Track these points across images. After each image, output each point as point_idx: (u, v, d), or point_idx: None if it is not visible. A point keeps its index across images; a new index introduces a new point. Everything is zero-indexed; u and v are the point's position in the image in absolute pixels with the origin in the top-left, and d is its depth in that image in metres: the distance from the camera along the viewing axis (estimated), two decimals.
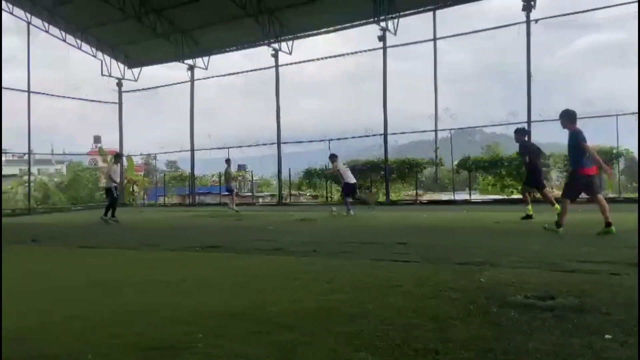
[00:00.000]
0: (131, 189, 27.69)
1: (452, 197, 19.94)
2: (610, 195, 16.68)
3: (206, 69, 24.44)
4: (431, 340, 2.73)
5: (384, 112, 19.90)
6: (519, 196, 11.53)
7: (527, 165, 10.27)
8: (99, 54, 24.80)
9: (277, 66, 22.38)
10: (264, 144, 23.64)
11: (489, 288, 3.97)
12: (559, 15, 17.26)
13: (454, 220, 11.05)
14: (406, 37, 19.90)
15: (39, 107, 22.64)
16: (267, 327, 3.11)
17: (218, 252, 7.02)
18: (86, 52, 24.33)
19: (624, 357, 2.44)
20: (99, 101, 25.72)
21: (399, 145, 22.27)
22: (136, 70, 26.09)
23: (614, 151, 16.65)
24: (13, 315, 3.59)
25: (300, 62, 22.50)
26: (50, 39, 23.04)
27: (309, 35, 22.05)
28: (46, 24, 22.74)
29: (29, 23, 22.19)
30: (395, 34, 19.41)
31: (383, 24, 19.15)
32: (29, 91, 22.06)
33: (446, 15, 20.24)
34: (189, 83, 24.86)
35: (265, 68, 22.87)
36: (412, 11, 19.39)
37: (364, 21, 20.02)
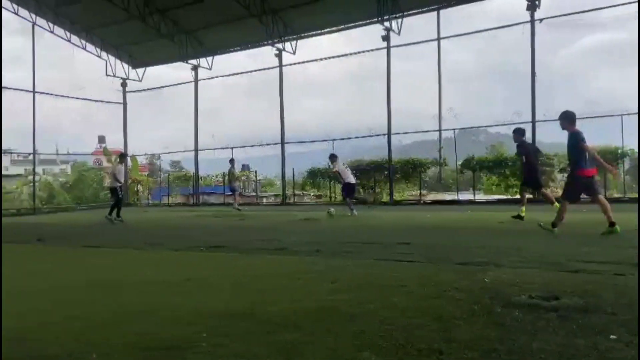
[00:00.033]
0: (135, 189, 27.76)
1: (456, 197, 19.88)
2: (615, 195, 16.63)
3: (210, 69, 24.49)
4: (435, 340, 2.73)
5: (387, 112, 19.88)
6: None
7: (525, 165, 10.27)
8: (104, 54, 24.89)
9: (280, 66, 22.39)
10: (267, 144, 23.68)
11: (492, 288, 3.96)
12: (563, 15, 17.21)
13: (458, 220, 11.02)
14: (410, 37, 19.90)
15: (44, 107, 22.75)
16: (270, 326, 3.11)
17: (222, 251, 7.03)
18: (91, 53, 24.41)
19: (629, 357, 2.43)
20: (104, 101, 25.83)
21: (402, 145, 22.25)
22: (140, 71, 26.17)
23: (619, 151, 16.58)
24: (17, 315, 3.61)
25: (303, 62, 22.52)
26: (55, 39, 23.16)
27: (312, 35, 22.04)
28: (51, 25, 22.83)
29: (34, 23, 22.28)
30: (399, 33, 19.39)
31: (387, 23, 19.13)
32: (34, 91, 22.15)
33: (450, 15, 20.15)
34: (193, 83, 24.91)
35: (268, 68, 22.90)
36: (415, 11, 19.35)
37: (368, 21, 20.00)
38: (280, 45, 21.90)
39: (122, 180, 14.80)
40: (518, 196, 10.77)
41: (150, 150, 29.43)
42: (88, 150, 29.46)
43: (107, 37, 24.12)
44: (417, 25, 20.45)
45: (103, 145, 30.31)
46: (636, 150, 16.70)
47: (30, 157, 23.91)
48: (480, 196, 19.76)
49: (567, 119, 7.75)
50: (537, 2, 17.07)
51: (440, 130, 19.42)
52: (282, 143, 22.57)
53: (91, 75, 25.31)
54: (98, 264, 6.42)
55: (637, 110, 14.36)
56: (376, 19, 19.23)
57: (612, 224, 7.25)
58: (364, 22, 20.24)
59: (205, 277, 5.07)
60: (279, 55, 22.20)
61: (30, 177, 24.51)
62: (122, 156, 16.36)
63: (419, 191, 20.63)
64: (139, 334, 3.04)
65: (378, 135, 20.53)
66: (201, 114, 25.09)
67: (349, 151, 23.07)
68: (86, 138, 28.88)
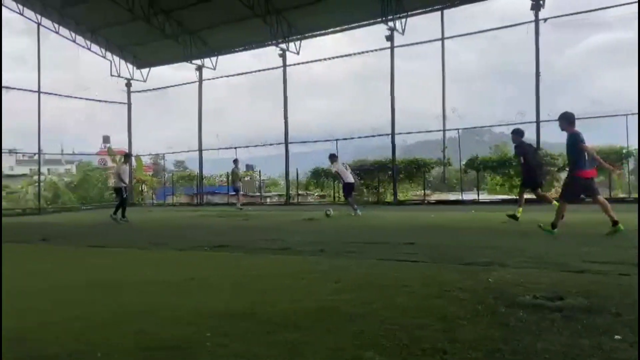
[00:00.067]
0: (140, 189, 27.85)
1: (459, 197, 19.85)
2: (620, 196, 16.56)
3: (214, 69, 24.52)
4: (439, 340, 2.73)
5: (391, 112, 19.86)
6: (527, 196, 11.49)
7: (524, 165, 10.26)
8: (108, 55, 24.96)
9: (284, 66, 22.41)
10: (271, 144, 23.69)
11: (496, 288, 3.96)
12: (567, 15, 17.15)
13: (462, 221, 11.01)
14: (414, 37, 19.87)
15: (49, 107, 22.83)
16: (273, 326, 3.12)
17: (225, 251, 7.05)
18: (95, 53, 24.50)
19: (634, 357, 2.43)
20: (108, 101, 25.91)
21: (406, 145, 22.23)
22: (145, 71, 26.24)
23: (624, 151, 16.51)
24: (17, 315, 3.63)
25: (307, 62, 22.53)
26: (60, 39, 23.23)
27: (316, 35, 22.05)
28: (56, 25, 22.92)
29: (39, 24, 22.37)
30: (403, 33, 19.37)
31: (391, 23, 19.12)
32: (39, 91, 22.24)
33: (454, 15, 20.12)
34: (197, 83, 24.96)
35: (272, 68, 22.90)
36: (419, 11, 19.33)
37: (372, 21, 19.99)
38: (284, 45, 21.92)
39: (127, 181, 14.83)
40: (527, 196, 10.74)
41: (154, 150, 29.52)
42: (93, 150, 29.57)
43: (111, 38, 24.21)
44: (420, 25, 20.39)
45: (108, 145, 30.44)
46: None
47: (36, 157, 24.03)
48: (484, 196, 19.72)
49: (566, 120, 7.78)
50: (541, 2, 17.01)
51: (444, 130, 19.39)
52: (286, 143, 22.59)
53: (96, 75, 25.42)
54: (101, 264, 6.44)
55: (637, 111, 14.32)
56: (380, 19, 19.22)
57: (615, 223, 7.24)
58: (367, 22, 20.22)
59: (209, 277, 5.08)
60: (282, 55, 22.22)
61: (36, 177, 24.61)
62: (127, 156, 16.36)
63: (422, 191, 20.60)
64: (145, 333, 3.06)
65: (381, 135, 20.52)
66: (205, 114, 25.16)
67: (353, 151, 23.06)
68: (91, 138, 28.96)
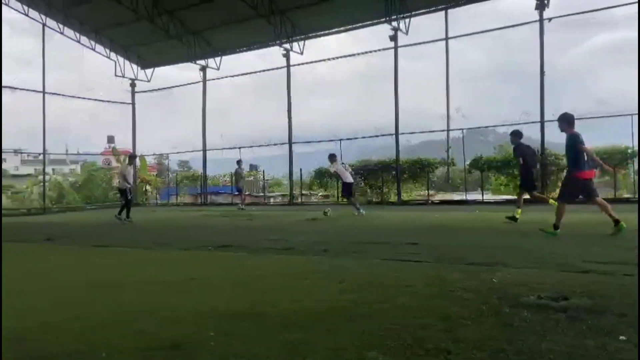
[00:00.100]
0: (144, 189, 27.92)
1: (464, 197, 19.81)
2: (625, 196, 16.49)
3: (218, 69, 24.56)
4: (442, 340, 2.72)
5: (395, 112, 19.84)
6: (541, 196, 11.46)
7: (523, 167, 10.24)
8: (113, 55, 25.04)
9: (288, 66, 22.41)
10: (275, 144, 23.71)
11: (500, 288, 3.95)
12: (572, 14, 17.08)
13: (466, 221, 10.98)
14: (418, 37, 19.83)
15: (54, 107, 22.92)
16: (277, 326, 3.13)
17: (230, 251, 7.06)
18: (100, 53, 24.58)
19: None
20: (113, 101, 26.00)
21: (410, 145, 22.22)
22: (149, 71, 26.31)
23: (629, 151, 16.43)
24: (18, 314, 3.64)
25: (311, 62, 22.52)
26: (64, 40, 23.32)
27: (320, 36, 22.04)
28: (61, 26, 23.01)
29: (44, 25, 22.47)
30: (406, 33, 19.34)
31: (394, 23, 19.09)
32: (43, 92, 22.34)
33: (458, 14, 20.05)
34: (201, 83, 25.00)
35: (276, 68, 22.90)
36: (423, 11, 19.29)
37: (376, 21, 19.97)
38: (288, 46, 21.92)
39: (132, 182, 14.89)
40: (527, 196, 10.72)
41: (158, 150, 29.56)
42: (97, 150, 29.67)
43: (116, 38, 24.29)
44: (425, 24, 20.37)
45: (112, 145, 30.50)
46: None
47: (40, 157, 24.12)
48: (488, 196, 19.68)
49: (566, 121, 7.80)
50: (545, 1, 16.96)
51: (448, 130, 19.35)
52: (290, 143, 22.59)
53: (100, 75, 25.50)
54: (105, 263, 6.47)
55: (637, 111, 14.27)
56: (384, 19, 19.20)
57: (616, 222, 7.27)
58: (371, 22, 20.21)
59: (213, 277, 5.09)
60: (286, 56, 22.23)
61: (40, 177, 24.72)
62: (132, 158, 16.46)
63: (426, 191, 20.57)
64: (145, 333, 3.07)
65: (384, 135, 20.50)
66: (209, 114, 25.18)
67: (356, 151, 23.05)
68: (95, 138, 29.06)
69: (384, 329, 2.98)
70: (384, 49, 20.17)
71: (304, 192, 24.17)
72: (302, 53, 22.12)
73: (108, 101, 25.71)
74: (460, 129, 19.49)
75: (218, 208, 20.93)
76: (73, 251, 7.91)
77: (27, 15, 21.99)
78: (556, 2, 17.18)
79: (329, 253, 6.42)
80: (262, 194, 26.66)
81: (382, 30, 19.83)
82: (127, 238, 9.69)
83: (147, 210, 20.70)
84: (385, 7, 18.39)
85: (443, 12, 18.92)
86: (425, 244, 6.96)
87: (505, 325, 2.99)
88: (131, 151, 27.08)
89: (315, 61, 22.57)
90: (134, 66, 25.99)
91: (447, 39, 19.07)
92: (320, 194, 25.00)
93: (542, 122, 16.94)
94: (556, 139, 17.10)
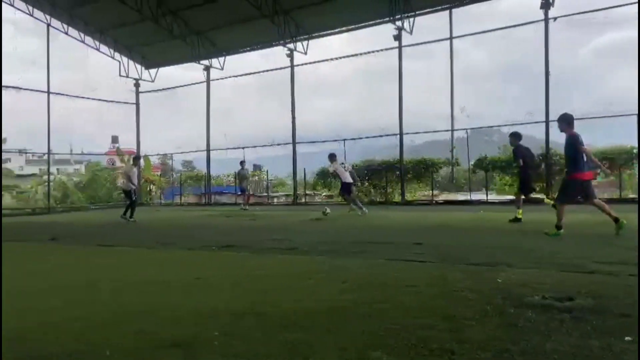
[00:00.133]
0: (148, 189, 28.00)
1: (468, 197, 19.77)
2: (631, 196, 16.40)
3: (222, 69, 24.59)
4: (447, 341, 2.71)
5: (399, 112, 19.82)
6: (536, 196, 11.45)
7: (523, 169, 10.22)
8: (117, 55, 25.13)
9: (292, 66, 22.42)
10: (279, 144, 23.71)
11: (505, 288, 3.93)
12: (577, 13, 17.01)
13: (470, 221, 10.96)
14: (422, 36, 19.79)
15: (58, 107, 23.00)
16: (281, 326, 3.12)
17: (233, 251, 7.06)
18: (104, 54, 24.65)
19: None
20: (117, 102, 26.07)
21: (414, 145, 22.13)
22: (153, 71, 26.38)
23: (634, 151, 16.35)
24: (29, 313, 3.64)
25: (315, 62, 22.52)
26: (69, 40, 23.39)
27: (324, 35, 22.04)
28: (65, 26, 23.09)
29: (48, 25, 22.55)
30: (411, 33, 19.31)
31: (399, 23, 19.07)
32: (48, 92, 22.42)
33: (462, 13, 20.00)
34: (205, 83, 25.05)
35: (280, 68, 22.92)
36: (427, 10, 19.27)
37: (379, 20, 19.96)
38: (291, 45, 21.93)
39: (136, 183, 14.98)
40: (532, 196, 10.69)
41: (162, 150, 29.63)
42: (101, 150, 29.75)
43: (120, 38, 24.36)
44: (428, 24, 20.30)
45: (116, 145, 30.60)
46: None
47: (45, 157, 24.21)
48: (492, 196, 19.62)
49: (565, 122, 7.83)
50: (550, 1, 16.90)
51: (452, 130, 19.31)
52: (294, 143, 22.60)
53: (105, 75, 25.55)
54: (108, 263, 6.48)
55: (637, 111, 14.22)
56: (388, 19, 19.18)
57: (616, 220, 7.32)
58: (375, 21, 20.20)
59: (217, 277, 5.09)
60: (290, 55, 22.24)
61: (45, 177, 24.81)
62: (136, 159, 16.54)
63: (431, 191, 20.54)
64: (145, 333, 3.07)
65: (388, 135, 20.47)
66: (213, 114, 25.23)
67: (360, 151, 23.02)
68: (99, 138, 29.12)
69: (387, 329, 2.97)
70: (388, 49, 20.16)
71: (307, 192, 24.17)
72: (306, 53, 22.13)
73: (112, 101, 25.78)
74: (464, 129, 19.44)
75: (222, 208, 20.96)
76: (77, 251, 7.93)
77: (31, 15, 22.06)
78: (561, 1, 17.14)
79: (332, 253, 6.41)
80: (266, 194, 26.68)
81: (386, 30, 19.85)
82: (131, 238, 9.71)
83: (151, 210, 20.75)
84: (390, 6, 18.38)
85: (447, 12, 18.89)
86: (429, 244, 6.95)
87: (510, 326, 2.98)
88: (135, 151, 27.19)
89: (319, 61, 22.56)
90: (138, 66, 26.06)
91: (451, 38, 19.03)
92: (324, 194, 25.00)
93: (547, 122, 16.88)
94: (561, 139, 16.89)
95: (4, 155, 26.02)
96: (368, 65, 22.29)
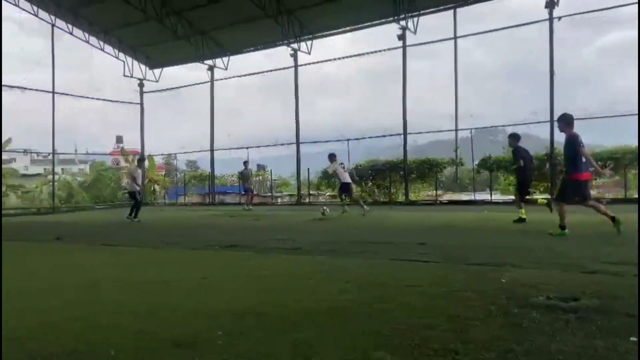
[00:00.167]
0: (152, 188, 28.07)
1: (472, 197, 19.72)
2: (635, 196, 16.31)
3: (226, 69, 24.63)
4: (450, 341, 2.70)
5: (403, 112, 19.79)
6: (540, 196, 11.42)
7: (522, 169, 10.18)
8: (121, 55, 25.20)
9: (296, 66, 22.42)
10: (282, 144, 23.72)
11: (509, 289, 3.91)
12: (582, 13, 16.93)
13: (474, 221, 10.93)
14: (426, 36, 19.76)
15: (63, 107, 23.10)
16: (285, 325, 3.12)
17: (237, 251, 7.06)
18: (109, 54, 24.74)
19: None
20: (121, 102, 26.15)
21: (418, 145, 22.14)
22: (157, 71, 26.45)
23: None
24: (29, 313, 3.64)
25: (319, 62, 22.51)
26: (74, 40, 23.49)
27: (328, 35, 22.03)
28: (70, 26, 23.18)
29: (53, 25, 22.65)
30: (415, 32, 19.28)
31: (403, 22, 19.05)
32: (53, 92, 22.52)
33: (467, 13, 19.97)
34: (209, 83, 25.08)
35: (284, 68, 22.93)
36: (432, 9, 19.23)
37: (384, 20, 19.94)
38: (295, 45, 21.94)
39: (141, 184, 15.12)
40: (536, 197, 10.68)
41: (166, 150, 29.71)
42: (106, 150, 29.87)
43: (124, 39, 24.43)
44: (433, 24, 20.31)
45: (121, 145, 30.72)
46: None
47: (50, 156, 24.31)
48: (497, 196, 19.57)
49: (565, 122, 7.86)
50: (555, 0, 16.83)
51: (456, 130, 19.27)
52: (297, 143, 22.60)
53: (109, 76, 25.68)
54: (112, 262, 6.50)
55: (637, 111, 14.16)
56: (392, 18, 19.16)
57: (613, 219, 7.40)
58: (379, 21, 20.18)
59: (221, 276, 5.09)
60: (294, 55, 22.24)
61: (50, 177, 24.92)
62: (141, 160, 16.82)
63: (434, 191, 20.50)
64: (145, 333, 3.07)
65: (392, 135, 20.43)
66: (217, 114, 25.26)
67: (364, 151, 23.01)
68: (104, 138, 29.33)
69: (390, 328, 2.96)
70: (392, 49, 20.14)
71: (311, 192, 24.17)
72: (309, 53, 22.12)
73: (117, 101, 25.88)
74: (468, 129, 19.40)
75: (226, 208, 20.99)
76: (81, 250, 7.94)
77: (36, 15, 22.18)
78: (565, 1, 17.06)
79: (335, 253, 6.40)
80: (270, 194, 26.70)
81: (390, 30, 19.83)
82: (136, 237, 9.74)
83: (155, 210, 20.80)
84: (394, 6, 18.36)
85: (452, 11, 18.85)
86: (432, 244, 6.93)
87: (514, 326, 2.96)
88: (139, 151, 27.29)
89: (323, 61, 22.55)
90: (143, 66, 26.14)
91: (455, 38, 18.99)
92: (327, 194, 25.00)
93: (551, 121, 16.81)
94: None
95: (10, 155, 26.16)
96: (372, 65, 22.33)
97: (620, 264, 4.88)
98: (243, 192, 20.63)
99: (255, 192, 22.63)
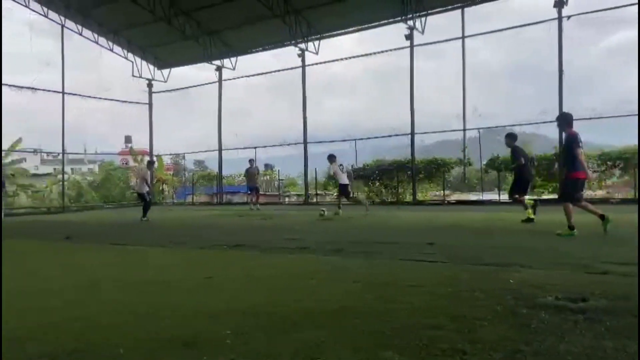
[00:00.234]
0: (160, 188, 28.22)
1: (480, 197, 19.65)
2: None
3: (234, 69, 24.70)
4: (458, 341, 2.70)
5: (410, 112, 19.75)
6: (549, 197, 11.36)
7: (522, 167, 10.12)
8: (130, 56, 25.36)
9: (303, 66, 22.43)
10: (289, 144, 23.74)
11: (517, 289, 3.90)
12: (592, 12, 16.80)
13: (482, 221, 10.88)
14: (434, 36, 19.71)
15: (72, 107, 23.30)
16: (291, 325, 3.13)
17: (244, 250, 7.08)
18: (118, 54, 24.91)
19: None
20: (130, 102, 26.32)
21: (425, 145, 22.08)
22: (165, 71, 26.59)
23: None
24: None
25: (326, 62, 22.52)
26: (83, 41, 23.67)
27: (335, 35, 22.03)
28: (80, 27, 23.35)
29: (63, 26, 22.83)
30: (422, 32, 19.24)
31: (410, 22, 19.01)
32: (63, 92, 22.70)
33: (475, 12, 19.89)
34: (217, 83, 25.16)
35: (291, 68, 22.96)
36: (440, 9, 19.18)
37: (391, 20, 19.92)
38: (303, 45, 21.96)
39: (150, 186, 15.44)
40: (545, 197, 10.63)
41: (175, 149, 29.86)
42: (115, 150, 30.07)
43: (133, 39, 24.58)
44: (441, 23, 20.23)
45: (129, 145, 30.93)
46: None
47: (60, 156, 24.52)
48: (505, 196, 19.44)
49: (564, 121, 7.92)
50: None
51: (464, 130, 19.21)
52: (305, 143, 22.62)
53: (118, 76, 25.86)
54: (120, 261, 6.55)
55: (637, 112, 14.04)
56: (400, 18, 19.14)
57: (602, 217, 7.49)
58: (387, 21, 20.15)
59: (227, 276, 5.12)
60: (301, 55, 22.26)
61: (60, 176, 25.13)
62: (150, 163, 17.17)
63: (442, 191, 20.44)
64: (147, 332, 3.09)
65: (398, 135, 20.40)
66: (225, 114, 25.35)
67: (371, 151, 22.98)
68: (113, 138, 29.56)
69: (398, 328, 2.96)
70: (399, 48, 20.10)
71: (318, 192, 24.17)
72: (317, 53, 22.13)
73: (125, 101, 26.05)
74: (476, 129, 19.32)
75: (233, 208, 21.05)
76: (90, 249, 8.01)
77: (46, 16, 22.36)
78: (575, 0, 16.94)
79: (342, 253, 6.41)
80: (277, 194, 26.74)
81: (396, 30, 19.81)
82: (144, 237, 9.79)
83: (163, 209, 20.90)
84: (402, 6, 18.33)
85: (459, 11, 18.79)
86: (440, 244, 6.92)
87: (523, 326, 2.96)
88: (148, 151, 27.46)
89: (331, 61, 22.56)
90: (151, 67, 26.29)
91: (463, 37, 18.93)
92: (334, 194, 24.97)
93: None
94: None
95: (20, 155, 26.40)
96: (379, 65, 22.29)
97: (628, 264, 4.84)
98: (249, 192, 20.60)
99: (260, 192, 22.63)
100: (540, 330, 2.86)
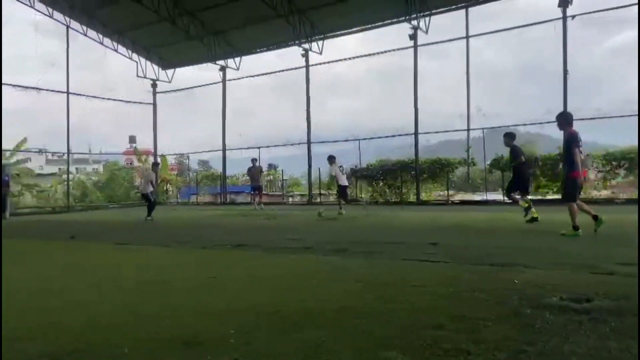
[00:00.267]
0: (164, 188, 28.29)
1: (484, 197, 19.60)
2: None
3: (238, 69, 24.73)
4: (462, 341, 2.69)
5: (414, 111, 19.72)
6: (554, 197, 11.32)
7: (521, 166, 10.09)
8: (135, 56, 25.44)
9: (307, 66, 22.44)
10: (292, 144, 23.75)
11: (521, 289, 3.89)
12: (596, 11, 16.73)
13: (486, 221, 10.86)
14: (437, 36, 19.66)
15: (77, 108, 23.38)
16: (295, 325, 3.13)
17: (247, 250, 7.09)
18: (122, 54, 24.99)
19: None
20: (135, 102, 26.40)
21: (429, 145, 22.01)
22: (170, 72, 26.65)
23: None
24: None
25: (330, 62, 22.50)
26: (88, 41, 23.77)
27: (339, 35, 22.02)
28: (84, 27, 23.44)
29: (68, 26, 22.91)
30: (426, 32, 19.20)
31: (414, 22, 18.98)
32: (67, 92, 22.79)
33: (479, 12, 19.82)
34: (221, 84, 25.20)
35: (295, 68, 22.96)
36: (443, 9, 19.13)
37: (395, 20, 19.89)
38: (307, 45, 21.96)
39: (154, 187, 15.62)
40: (550, 197, 10.60)
41: (179, 149, 29.94)
42: (119, 150, 30.16)
43: (138, 39, 24.66)
44: (445, 23, 20.20)
45: (134, 145, 31.02)
46: None
47: (64, 156, 24.61)
48: None
49: (564, 120, 7.95)
50: None
51: (468, 130, 19.16)
52: (309, 143, 22.62)
53: (122, 76, 25.95)
54: (124, 261, 6.56)
55: (637, 112, 13.96)
56: (403, 18, 19.11)
57: (595, 217, 7.55)
58: (391, 21, 20.13)
59: (230, 275, 5.12)
60: (305, 55, 22.26)
61: (64, 176, 25.24)
62: (155, 165, 17.33)
63: (446, 191, 20.40)
64: (152, 332, 3.10)
65: (402, 135, 20.37)
66: (229, 114, 25.39)
67: (375, 151, 22.94)
68: (117, 138, 29.63)
69: (401, 328, 2.96)
70: (403, 48, 20.07)
71: (322, 191, 24.17)
72: (321, 53, 22.13)
73: (130, 101, 26.13)
74: (480, 129, 19.27)
75: (237, 207, 21.07)
76: (93, 249, 8.04)
77: (51, 17, 22.46)
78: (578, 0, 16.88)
79: (346, 252, 6.40)
80: (281, 194, 26.75)
81: (401, 30, 19.76)
82: (148, 236, 9.82)
83: (167, 209, 20.95)
84: (406, 6, 18.30)
85: (463, 11, 18.75)
86: (444, 244, 6.90)
87: (527, 327, 2.94)
88: (152, 151, 27.52)
89: (335, 61, 22.54)
90: (155, 67, 26.36)
91: (467, 37, 18.88)
92: (335, 194, 24.96)
93: None
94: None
95: (25, 155, 26.54)
96: (382, 65, 22.24)
97: (633, 265, 4.82)
98: (252, 192, 20.61)
99: (264, 192, 22.63)
100: (545, 331, 2.85)
